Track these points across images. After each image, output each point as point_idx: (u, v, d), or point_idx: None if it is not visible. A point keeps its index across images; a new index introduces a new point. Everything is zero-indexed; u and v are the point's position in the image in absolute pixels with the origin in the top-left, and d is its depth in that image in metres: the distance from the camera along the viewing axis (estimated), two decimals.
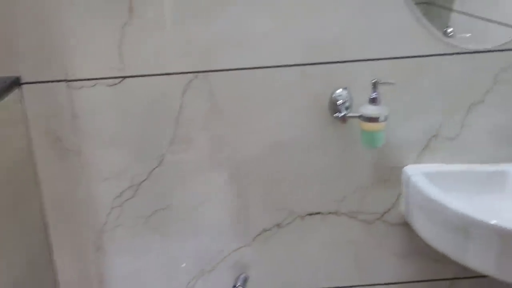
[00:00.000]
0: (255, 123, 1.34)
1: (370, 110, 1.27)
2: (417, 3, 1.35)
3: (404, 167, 1.39)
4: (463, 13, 1.38)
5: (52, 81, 1.27)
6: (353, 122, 1.30)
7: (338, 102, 1.32)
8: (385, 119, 1.27)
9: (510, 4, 1.36)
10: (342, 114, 1.29)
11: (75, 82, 1.28)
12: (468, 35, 1.39)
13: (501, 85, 1.34)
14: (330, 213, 1.42)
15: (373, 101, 1.27)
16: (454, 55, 1.32)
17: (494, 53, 1.32)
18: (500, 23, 1.36)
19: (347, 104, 1.32)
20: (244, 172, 1.38)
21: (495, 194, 1.34)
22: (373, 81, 1.26)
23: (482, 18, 1.37)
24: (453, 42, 1.32)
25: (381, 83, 1.26)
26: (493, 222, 1.13)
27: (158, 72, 1.28)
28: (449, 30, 1.37)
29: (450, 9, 1.39)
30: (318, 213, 1.42)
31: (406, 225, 1.41)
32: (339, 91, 1.32)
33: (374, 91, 1.27)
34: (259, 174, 1.38)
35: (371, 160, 1.38)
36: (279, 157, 1.37)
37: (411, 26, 1.29)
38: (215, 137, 1.35)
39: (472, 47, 1.33)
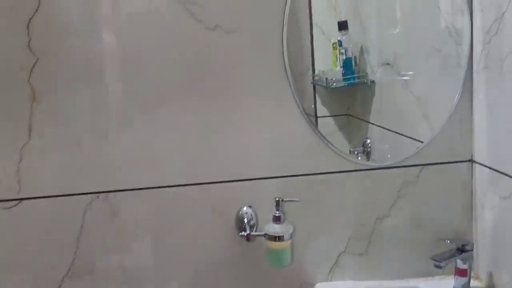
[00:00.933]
0: (161, 243, 1.31)
1: (273, 228, 1.25)
2: (339, 115, 1.40)
3: (316, 285, 1.36)
4: (378, 125, 1.43)
5: None
6: (261, 240, 1.28)
7: (244, 220, 1.31)
8: (290, 237, 1.25)
9: (415, 119, 1.42)
10: (247, 233, 1.27)
11: None
12: (386, 146, 1.43)
13: (404, 199, 1.36)
14: None
15: (277, 219, 1.26)
16: (358, 172, 1.35)
17: (396, 169, 1.36)
18: (407, 136, 1.42)
19: (252, 222, 1.31)
20: None
21: None
22: (277, 199, 1.26)
23: (392, 131, 1.43)
24: (354, 159, 1.36)
25: (285, 201, 1.27)
26: None
27: (57, 193, 1.25)
28: (368, 141, 1.41)
29: (368, 122, 1.44)
30: None
31: None
32: (244, 208, 1.31)
33: (278, 209, 1.26)
34: None
35: (282, 278, 1.35)
36: (187, 277, 1.32)
37: (315, 144, 1.33)
38: (119, 259, 1.30)
39: (374, 164, 1.36)
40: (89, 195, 1.26)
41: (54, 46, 1.21)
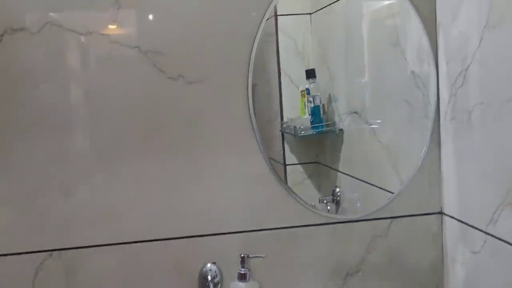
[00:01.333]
0: None
1: (239, 287, 1.20)
2: (308, 163, 1.37)
3: None
4: (347, 174, 1.40)
5: None
6: None
7: (208, 278, 1.24)
8: None
9: (384, 169, 1.40)
10: None
11: None
12: (356, 195, 1.40)
13: (374, 253, 1.32)
14: None
15: (242, 277, 1.20)
16: (327, 225, 1.31)
17: (365, 222, 1.32)
18: (376, 186, 1.39)
19: (216, 279, 1.25)
20: None
21: None
22: (242, 255, 1.21)
23: (362, 180, 1.40)
24: (323, 212, 1.33)
25: (250, 257, 1.21)
26: None
27: (5, 252, 1.17)
28: (337, 190, 1.38)
29: (337, 170, 1.41)
30: None
31: None
32: (208, 265, 1.25)
33: (243, 266, 1.21)
34: None
35: None
36: None
37: (281, 197, 1.28)
38: None
39: (343, 217, 1.33)
40: (41, 253, 1.18)
41: (8, 96, 1.16)
